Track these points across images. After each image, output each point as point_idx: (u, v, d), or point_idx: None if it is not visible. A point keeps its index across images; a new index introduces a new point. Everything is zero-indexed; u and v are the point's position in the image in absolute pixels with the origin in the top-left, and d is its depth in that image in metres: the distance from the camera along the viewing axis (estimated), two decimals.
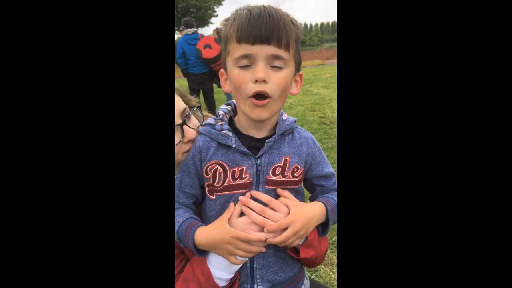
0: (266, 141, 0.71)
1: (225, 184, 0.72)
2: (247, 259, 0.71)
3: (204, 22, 30.62)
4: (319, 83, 9.23)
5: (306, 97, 7.09)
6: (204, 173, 0.73)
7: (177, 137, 0.79)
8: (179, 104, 0.82)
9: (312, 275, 1.85)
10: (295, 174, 0.75)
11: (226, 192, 0.73)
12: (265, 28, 0.60)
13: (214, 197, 0.74)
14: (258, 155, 0.72)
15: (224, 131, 0.72)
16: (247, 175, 0.71)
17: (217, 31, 5.60)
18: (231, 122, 0.77)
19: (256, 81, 0.62)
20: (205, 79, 4.97)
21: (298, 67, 0.70)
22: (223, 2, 30.89)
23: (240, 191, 0.72)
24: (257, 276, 0.77)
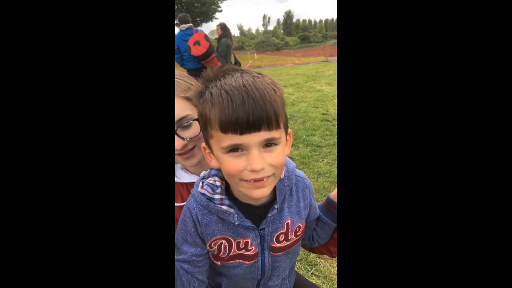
0: (269, 215, 0.68)
1: (230, 254, 0.70)
2: None
3: (208, 17, 30.45)
4: (322, 79, 9.21)
5: (309, 93, 7.08)
6: (208, 246, 0.70)
7: None
8: (178, 111, 0.79)
9: (311, 269, 1.88)
10: (297, 234, 0.74)
11: (232, 261, 0.71)
12: (253, 116, 0.54)
13: (219, 263, 0.72)
14: (261, 227, 0.69)
15: (224, 207, 0.66)
16: (253, 247, 0.70)
17: (220, 26, 5.62)
18: (227, 187, 0.70)
19: (253, 170, 0.57)
20: (200, 74, 5.19)
21: (286, 129, 0.64)
22: None
23: (247, 262, 0.71)
24: None
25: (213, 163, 0.65)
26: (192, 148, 0.84)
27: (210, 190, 0.67)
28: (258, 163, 0.56)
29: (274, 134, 0.57)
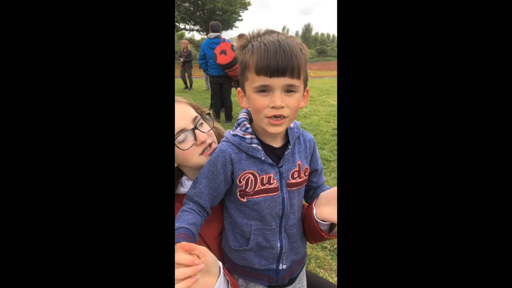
0: (285, 153, 0.86)
1: (256, 189, 0.86)
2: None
3: (229, 25, 31.12)
4: (335, 95, 9.27)
5: (322, 107, 7.17)
6: (237, 181, 0.85)
7: (191, 141, 0.91)
8: (191, 113, 0.95)
9: None
10: (306, 174, 0.93)
11: (256, 196, 0.86)
12: (281, 64, 0.72)
13: (245, 200, 0.87)
14: (280, 165, 0.86)
15: (254, 145, 0.84)
16: (275, 181, 0.86)
17: (239, 36, 5.81)
18: (254, 133, 0.88)
19: (273, 107, 0.75)
20: (223, 81, 5.54)
21: (305, 85, 0.83)
22: (248, 7, 31.31)
23: (270, 194, 0.87)
24: (284, 257, 0.92)
25: (244, 103, 0.84)
26: (211, 144, 0.98)
27: (242, 132, 0.86)
28: (278, 101, 0.74)
29: (295, 82, 0.75)
